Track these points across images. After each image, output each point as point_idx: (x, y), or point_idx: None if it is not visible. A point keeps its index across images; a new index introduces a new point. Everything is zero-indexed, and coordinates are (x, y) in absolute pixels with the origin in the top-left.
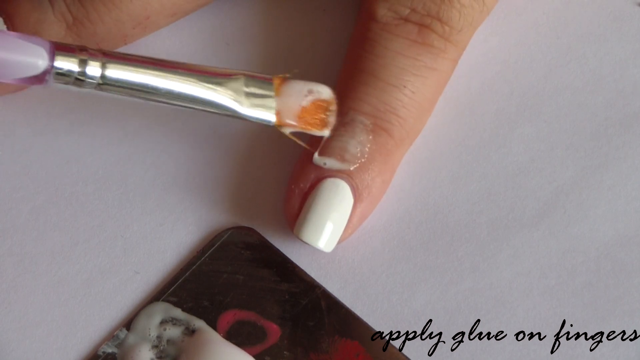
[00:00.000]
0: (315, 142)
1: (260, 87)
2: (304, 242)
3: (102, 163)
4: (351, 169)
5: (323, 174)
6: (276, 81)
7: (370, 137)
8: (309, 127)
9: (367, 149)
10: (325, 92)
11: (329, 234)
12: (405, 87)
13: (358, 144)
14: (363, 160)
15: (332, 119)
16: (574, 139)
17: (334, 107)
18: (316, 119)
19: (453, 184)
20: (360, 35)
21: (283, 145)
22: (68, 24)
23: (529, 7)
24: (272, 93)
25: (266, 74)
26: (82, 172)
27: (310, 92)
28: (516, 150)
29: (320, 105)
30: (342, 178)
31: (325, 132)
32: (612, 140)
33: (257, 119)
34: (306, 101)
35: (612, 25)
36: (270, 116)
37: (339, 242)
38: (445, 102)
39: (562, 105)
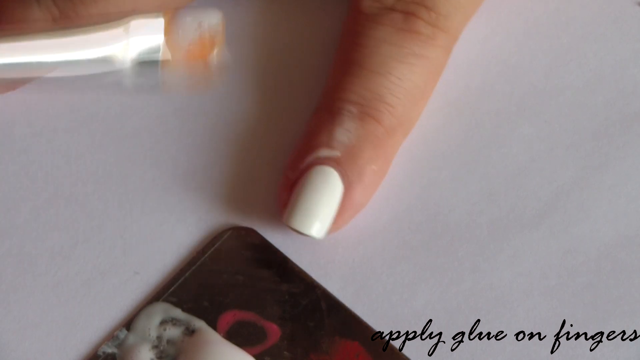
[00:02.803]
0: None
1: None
2: (294, 230)
3: (101, 163)
4: (338, 154)
5: (311, 163)
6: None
7: (358, 124)
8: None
9: (354, 136)
10: (214, 17)
11: (319, 220)
12: (391, 74)
13: (345, 131)
14: (351, 147)
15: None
16: (574, 139)
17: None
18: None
19: (453, 184)
20: (347, 28)
21: (284, 145)
22: (54, 18)
23: (529, 7)
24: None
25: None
26: (81, 172)
27: (200, 25)
28: (516, 150)
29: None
30: (329, 165)
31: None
32: (613, 140)
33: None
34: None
35: (612, 25)
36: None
37: (334, 230)
38: (445, 102)
39: (562, 105)
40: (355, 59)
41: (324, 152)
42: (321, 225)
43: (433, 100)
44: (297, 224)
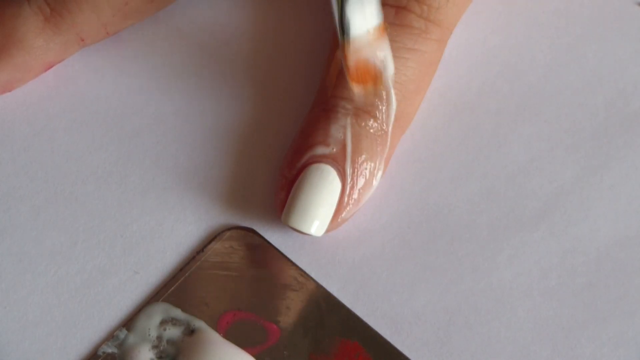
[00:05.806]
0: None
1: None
2: (293, 229)
3: (101, 162)
4: (334, 151)
5: (308, 162)
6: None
7: (353, 120)
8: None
9: (350, 133)
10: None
11: (317, 219)
12: None
13: (340, 128)
14: (348, 143)
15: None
16: (574, 139)
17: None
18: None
19: (453, 184)
20: None
21: (284, 145)
22: (45, 16)
23: (529, 7)
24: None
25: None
26: (81, 171)
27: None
28: (516, 150)
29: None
30: (326, 162)
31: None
32: (612, 140)
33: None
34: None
35: (612, 25)
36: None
37: (334, 228)
38: (445, 102)
39: (562, 105)
40: None
41: (319, 150)
42: (320, 223)
43: (433, 100)
44: (296, 222)
